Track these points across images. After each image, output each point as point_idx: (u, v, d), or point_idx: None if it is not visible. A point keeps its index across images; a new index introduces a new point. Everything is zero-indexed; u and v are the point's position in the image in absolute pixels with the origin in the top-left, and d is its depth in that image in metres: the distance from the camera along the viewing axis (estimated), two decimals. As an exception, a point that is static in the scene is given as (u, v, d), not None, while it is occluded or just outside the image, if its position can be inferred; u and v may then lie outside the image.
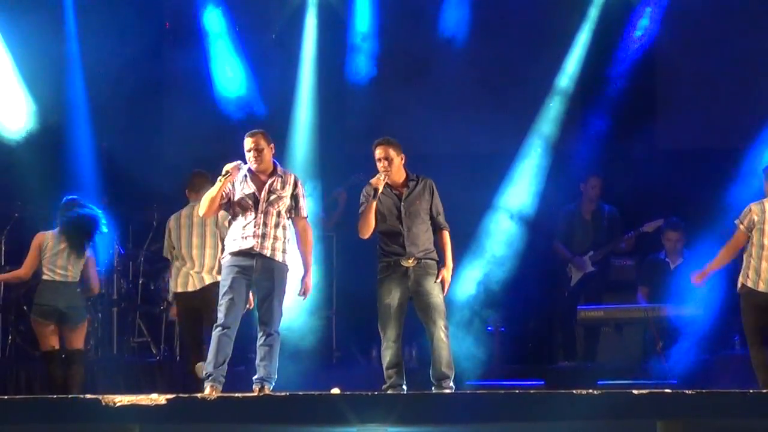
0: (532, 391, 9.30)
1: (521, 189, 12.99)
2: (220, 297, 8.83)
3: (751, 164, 11.96)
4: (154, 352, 12.55)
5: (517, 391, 8.49)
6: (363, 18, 13.37)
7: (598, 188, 12.86)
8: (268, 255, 8.79)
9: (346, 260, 12.81)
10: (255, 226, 8.79)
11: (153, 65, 13.20)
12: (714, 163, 12.18)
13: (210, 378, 8.72)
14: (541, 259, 12.89)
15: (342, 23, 13.46)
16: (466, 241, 12.32)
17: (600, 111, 13.13)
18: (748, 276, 9.43)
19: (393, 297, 9.02)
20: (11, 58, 12.65)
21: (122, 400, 7.69)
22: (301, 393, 7.95)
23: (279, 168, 8.98)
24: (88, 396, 8.35)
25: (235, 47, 13.38)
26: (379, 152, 9.13)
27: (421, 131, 12.47)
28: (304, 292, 8.99)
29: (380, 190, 9.06)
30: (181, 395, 7.92)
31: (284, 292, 8.89)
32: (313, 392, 8.17)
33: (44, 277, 10.40)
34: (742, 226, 9.46)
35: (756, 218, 9.39)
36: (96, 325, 12.14)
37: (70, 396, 8.60)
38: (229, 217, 8.97)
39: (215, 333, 8.76)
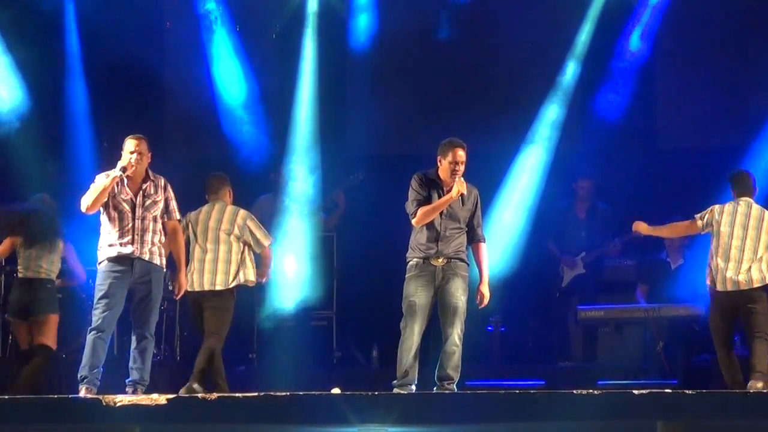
0: (532, 391, 9.30)
1: (520, 188, 12.98)
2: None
3: (751, 162, 11.96)
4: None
5: (517, 391, 8.49)
6: (363, 18, 13.37)
7: (587, 189, 12.83)
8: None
9: (346, 260, 12.80)
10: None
11: (154, 65, 13.18)
12: (714, 161, 12.17)
13: (85, 380, 8.82)
14: (538, 259, 12.88)
15: (342, 22, 13.46)
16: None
17: (600, 109, 13.14)
18: (710, 276, 9.67)
19: (419, 295, 8.98)
20: (11, 57, 12.64)
21: (122, 400, 7.70)
22: (301, 393, 7.95)
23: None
24: (89, 396, 8.37)
25: (236, 47, 13.38)
26: (462, 155, 9.14)
27: (421, 132, 12.46)
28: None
29: (455, 196, 9.04)
30: (181, 395, 7.92)
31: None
32: (313, 392, 8.17)
33: (18, 275, 10.57)
34: (699, 221, 9.72)
35: (716, 218, 9.61)
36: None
37: (70, 396, 8.59)
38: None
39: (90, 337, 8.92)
